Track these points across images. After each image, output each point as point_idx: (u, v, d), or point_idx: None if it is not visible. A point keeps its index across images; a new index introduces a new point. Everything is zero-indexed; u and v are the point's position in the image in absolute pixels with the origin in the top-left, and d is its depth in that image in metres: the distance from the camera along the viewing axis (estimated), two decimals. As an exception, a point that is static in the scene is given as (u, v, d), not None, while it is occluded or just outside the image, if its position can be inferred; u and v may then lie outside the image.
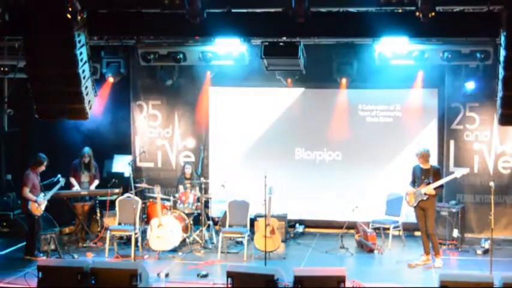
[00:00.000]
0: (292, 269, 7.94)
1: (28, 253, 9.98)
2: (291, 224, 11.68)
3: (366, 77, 11.22)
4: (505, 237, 11.04)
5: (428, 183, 9.48)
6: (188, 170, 11.38)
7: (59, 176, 10.44)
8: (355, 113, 11.80)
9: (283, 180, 11.43)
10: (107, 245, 10.18)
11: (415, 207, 9.65)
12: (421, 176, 9.59)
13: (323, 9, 8.78)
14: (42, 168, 10.15)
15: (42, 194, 10.07)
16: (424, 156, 9.61)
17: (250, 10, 8.91)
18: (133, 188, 10.38)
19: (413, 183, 9.71)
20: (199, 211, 10.87)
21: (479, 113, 11.31)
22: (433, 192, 9.48)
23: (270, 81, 11.76)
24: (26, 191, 9.92)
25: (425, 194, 9.48)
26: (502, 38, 8.16)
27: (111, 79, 11.22)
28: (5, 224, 11.62)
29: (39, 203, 9.96)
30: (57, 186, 10.31)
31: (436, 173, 9.61)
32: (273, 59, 9.82)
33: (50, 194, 10.16)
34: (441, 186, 9.61)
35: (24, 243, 10.30)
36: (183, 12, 8.50)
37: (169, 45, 10.43)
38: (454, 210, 10.66)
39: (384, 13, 8.60)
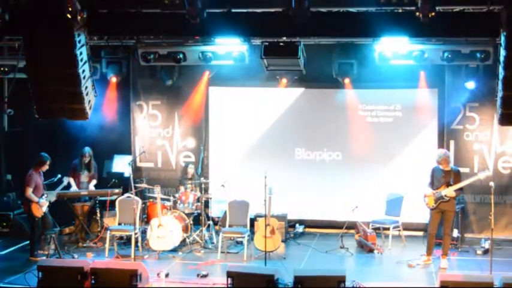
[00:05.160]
0: (292, 269, 7.95)
1: (30, 254, 9.98)
2: (291, 224, 11.67)
3: (366, 77, 11.19)
4: (505, 237, 11.03)
5: (450, 185, 9.41)
6: (191, 170, 11.40)
7: (59, 175, 10.44)
8: (355, 113, 11.79)
9: (283, 180, 11.44)
10: (107, 245, 10.17)
11: (433, 209, 9.54)
12: (441, 178, 9.49)
13: (323, 9, 8.78)
14: (45, 167, 10.13)
15: (44, 195, 10.04)
16: (446, 159, 9.50)
17: (250, 10, 8.92)
18: (133, 188, 10.38)
19: (431, 185, 9.63)
20: (199, 211, 10.87)
21: (479, 113, 11.30)
22: (454, 194, 9.41)
23: (270, 81, 11.76)
24: (29, 192, 9.88)
25: (446, 195, 9.38)
26: (502, 38, 8.16)
27: (114, 79, 11.22)
28: (5, 224, 11.61)
29: (40, 204, 9.93)
30: (60, 187, 10.29)
31: (456, 175, 9.52)
32: (273, 59, 9.83)
33: (52, 195, 10.12)
34: (461, 187, 9.53)
35: (25, 243, 10.32)
36: (183, 12, 8.51)
37: (169, 45, 10.43)
38: (454, 210, 10.66)
39: (384, 13, 8.61)
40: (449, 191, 9.38)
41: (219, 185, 10.99)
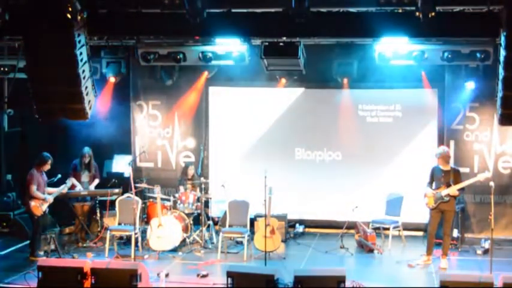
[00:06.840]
0: (292, 269, 7.95)
1: (30, 253, 9.97)
2: (291, 224, 11.67)
3: (366, 77, 11.21)
4: (505, 237, 11.04)
5: (449, 185, 9.40)
6: (191, 171, 11.39)
7: (59, 175, 10.42)
8: (355, 113, 11.79)
9: (283, 180, 11.44)
10: (107, 245, 10.17)
11: (433, 209, 9.53)
12: (441, 178, 9.50)
13: (323, 9, 8.78)
14: (47, 167, 10.10)
15: (47, 194, 10.03)
16: (445, 157, 9.53)
17: (250, 10, 8.92)
18: (133, 188, 10.38)
19: (431, 184, 9.62)
20: (199, 211, 10.87)
21: (479, 113, 11.30)
22: (456, 194, 9.42)
23: (270, 81, 11.77)
24: (34, 189, 9.84)
25: (446, 195, 9.38)
26: (502, 38, 8.15)
27: (112, 79, 11.23)
28: (5, 224, 11.61)
29: (41, 203, 9.90)
30: (62, 187, 10.26)
31: (456, 175, 9.52)
32: (273, 59, 9.82)
33: (54, 194, 10.11)
34: (462, 188, 9.52)
35: (25, 243, 10.31)
36: (183, 12, 8.51)
37: (169, 45, 10.42)
38: (454, 210, 10.65)
39: (384, 13, 8.61)
40: (452, 190, 9.36)
41: (219, 185, 10.99)
